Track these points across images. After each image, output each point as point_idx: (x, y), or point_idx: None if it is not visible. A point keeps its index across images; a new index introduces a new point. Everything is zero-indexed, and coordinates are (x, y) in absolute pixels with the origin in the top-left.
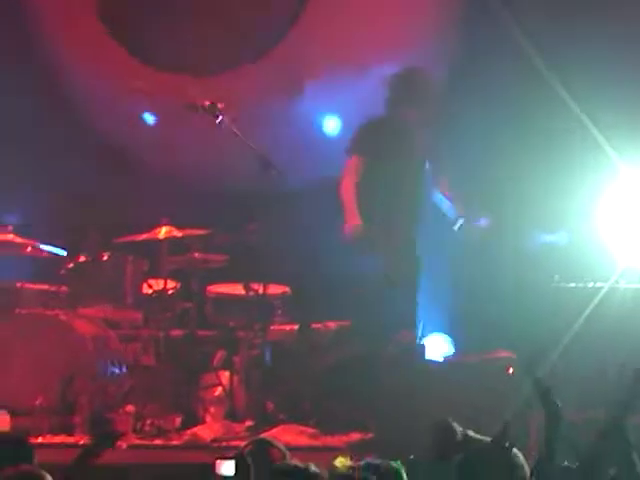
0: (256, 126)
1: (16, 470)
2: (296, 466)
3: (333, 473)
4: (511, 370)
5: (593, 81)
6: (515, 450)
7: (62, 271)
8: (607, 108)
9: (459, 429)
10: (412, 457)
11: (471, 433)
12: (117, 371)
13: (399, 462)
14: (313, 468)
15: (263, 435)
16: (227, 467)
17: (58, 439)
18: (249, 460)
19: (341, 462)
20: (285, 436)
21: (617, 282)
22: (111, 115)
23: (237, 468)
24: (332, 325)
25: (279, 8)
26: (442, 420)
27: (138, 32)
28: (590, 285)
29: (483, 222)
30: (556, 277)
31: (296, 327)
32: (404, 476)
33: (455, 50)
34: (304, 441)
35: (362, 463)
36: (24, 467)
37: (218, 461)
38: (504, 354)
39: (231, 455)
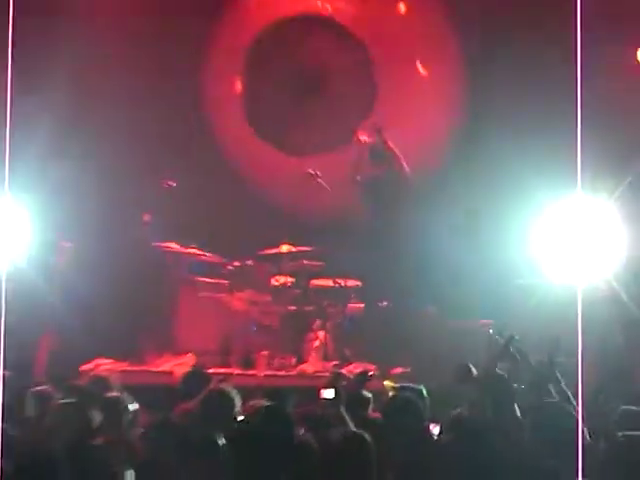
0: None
1: (212, 389)
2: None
3: (383, 390)
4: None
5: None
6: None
7: (224, 271)
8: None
9: (473, 369)
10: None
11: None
12: (256, 329)
13: (422, 386)
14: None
15: (342, 370)
16: (328, 392)
17: (221, 370)
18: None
19: (388, 384)
20: (355, 369)
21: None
22: (261, 181)
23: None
24: (385, 303)
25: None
26: (463, 363)
27: (277, 129)
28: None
29: None
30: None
31: (363, 305)
32: (424, 393)
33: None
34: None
35: (400, 385)
36: (218, 387)
37: (322, 390)
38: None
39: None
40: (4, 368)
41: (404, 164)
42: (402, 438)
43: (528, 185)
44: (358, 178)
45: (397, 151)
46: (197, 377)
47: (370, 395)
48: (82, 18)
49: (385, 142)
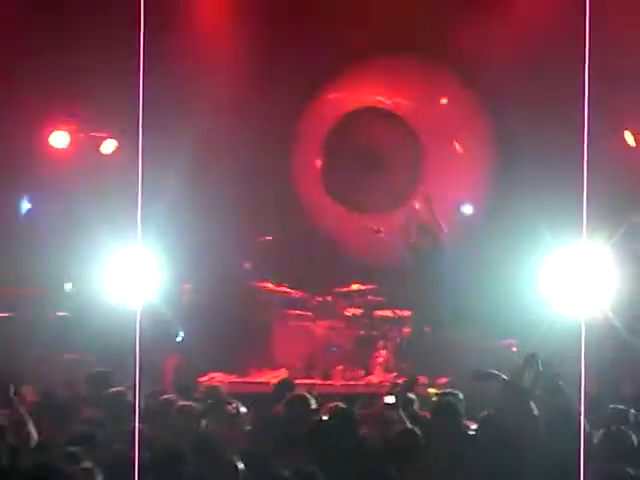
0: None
1: (294, 394)
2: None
3: (428, 395)
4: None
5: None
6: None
7: (309, 305)
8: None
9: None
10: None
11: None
12: (335, 350)
13: (459, 392)
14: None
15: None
16: (389, 398)
17: (307, 381)
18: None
19: (432, 390)
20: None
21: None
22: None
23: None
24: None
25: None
26: (484, 369)
27: (347, 194)
28: None
29: None
30: None
31: (413, 329)
32: (461, 397)
33: None
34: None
35: (442, 391)
36: (298, 393)
37: (385, 396)
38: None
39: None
40: (139, 380)
41: (444, 231)
42: (446, 432)
43: (542, 235)
44: (409, 241)
45: (439, 221)
46: (286, 386)
47: (414, 397)
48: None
49: (432, 211)
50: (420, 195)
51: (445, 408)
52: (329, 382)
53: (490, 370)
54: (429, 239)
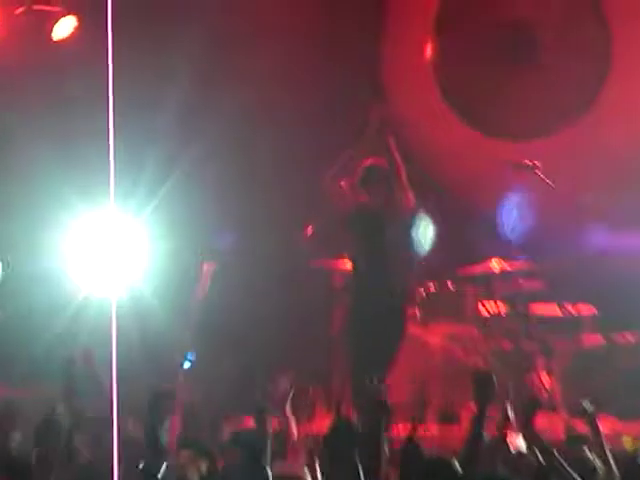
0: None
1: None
2: None
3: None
4: None
5: None
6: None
7: (417, 297)
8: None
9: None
10: None
11: None
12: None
13: None
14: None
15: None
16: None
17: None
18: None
19: (627, 441)
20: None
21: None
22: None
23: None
24: (631, 338)
25: (588, 78)
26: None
27: (473, 105)
28: None
29: None
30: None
31: (602, 340)
32: None
33: None
34: (606, 427)
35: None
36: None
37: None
38: None
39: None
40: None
41: None
42: None
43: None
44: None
45: None
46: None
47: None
48: None
49: None
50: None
51: None
52: (452, 429)
53: None
54: None
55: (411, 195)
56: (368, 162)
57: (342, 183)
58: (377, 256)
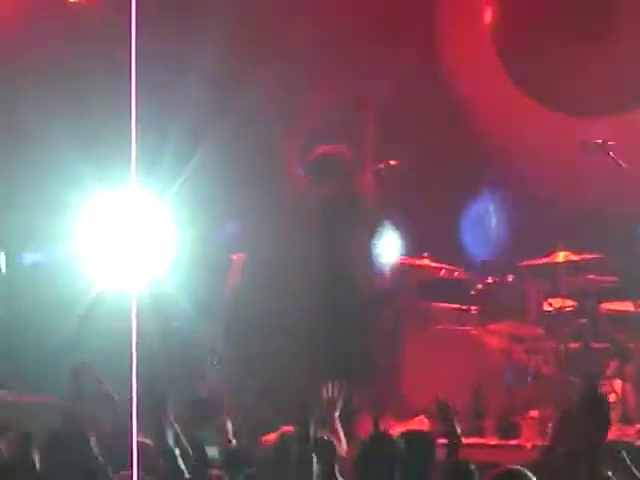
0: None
1: (504, 469)
2: None
3: None
4: None
5: None
6: None
7: (472, 292)
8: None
9: None
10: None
11: None
12: (522, 380)
13: None
14: None
15: None
16: None
17: (470, 440)
18: None
19: None
20: None
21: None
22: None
23: None
24: None
25: None
26: None
27: (534, 74)
28: None
29: None
30: None
31: None
32: None
33: None
34: None
35: None
36: (512, 468)
37: None
38: None
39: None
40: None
41: None
42: None
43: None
44: None
45: None
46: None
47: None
48: None
49: None
50: None
51: None
52: (512, 442)
53: None
54: None
55: (371, 186)
56: (320, 150)
57: (298, 170)
58: (327, 249)
